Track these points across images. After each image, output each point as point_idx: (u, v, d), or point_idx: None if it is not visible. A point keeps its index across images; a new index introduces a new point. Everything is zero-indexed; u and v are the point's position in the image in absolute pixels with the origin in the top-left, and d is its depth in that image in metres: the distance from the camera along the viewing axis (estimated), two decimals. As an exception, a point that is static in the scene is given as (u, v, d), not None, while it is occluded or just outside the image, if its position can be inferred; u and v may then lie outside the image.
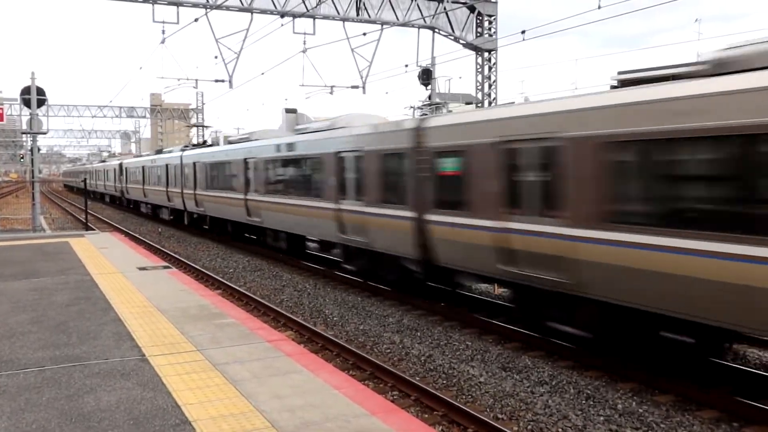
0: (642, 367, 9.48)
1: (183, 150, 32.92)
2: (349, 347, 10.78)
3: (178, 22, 26.44)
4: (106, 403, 5.79)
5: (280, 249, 21.62)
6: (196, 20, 25.22)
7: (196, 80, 39.73)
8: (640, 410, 8.29)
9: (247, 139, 24.58)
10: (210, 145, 31.14)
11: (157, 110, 75.96)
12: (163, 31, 26.76)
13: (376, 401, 6.17)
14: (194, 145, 34.14)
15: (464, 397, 8.89)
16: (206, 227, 29.26)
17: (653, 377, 9.10)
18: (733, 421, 7.88)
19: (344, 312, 14.02)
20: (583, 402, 8.60)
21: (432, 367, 10.12)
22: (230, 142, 26.51)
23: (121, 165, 48.88)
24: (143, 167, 39.53)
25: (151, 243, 26.16)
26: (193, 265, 20.31)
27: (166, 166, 34.00)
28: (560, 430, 7.76)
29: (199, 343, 7.78)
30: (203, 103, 57.52)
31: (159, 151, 40.30)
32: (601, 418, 8.06)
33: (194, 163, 29.09)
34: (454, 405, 8.16)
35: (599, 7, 16.66)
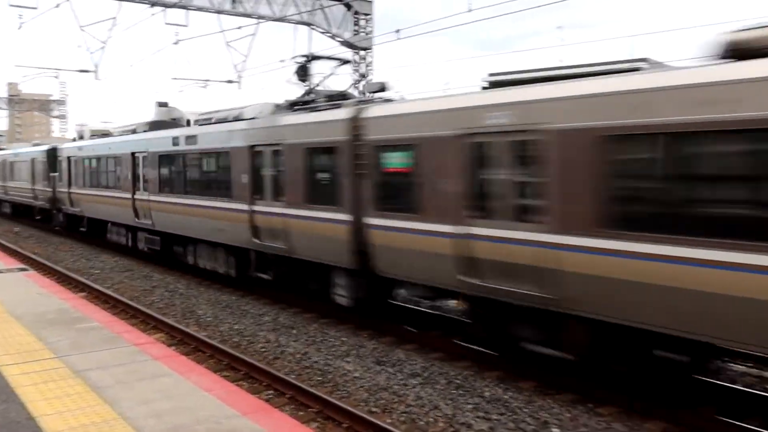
0: (507, 356, 9.96)
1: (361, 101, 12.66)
2: (223, 348, 10.57)
3: (36, 7, 24.72)
4: (-50, 419, 5.35)
5: None
6: (57, 6, 23.70)
7: (58, 70, 37.34)
8: (506, 396, 8.72)
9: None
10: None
11: (15, 101, 70.61)
12: (21, 16, 24.96)
13: (249, 402, 6.12)
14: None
15: (339, 392, 8.97)
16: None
17: (517, 365, 9.60)
18: (587, 403, 8.48)
19: (218, 312, 13.72)
20: (453, 391, 8.93)
21: (308, 365, 10.13)
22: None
23: (53, 152, 27.86)
24: (146, 156, 19.04)
25: (5, 244, 24.28)
26: (53, 266, 19.08)
27: (264, 153, 13.69)
28: (431, 419, 8.02)
29: (58, 349, 7.35)
30: (66, 95, 54.16)
31: (156, 125, 20.10)
32: (470, 406, 8.41)
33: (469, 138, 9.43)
34: (329, 401, 8.22)
35: (470, 10, 17.30)
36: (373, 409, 8.35)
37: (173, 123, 20.82)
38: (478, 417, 8.08)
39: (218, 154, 15.46)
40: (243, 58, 28.46)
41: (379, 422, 7.56)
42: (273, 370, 9.46)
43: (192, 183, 16.67)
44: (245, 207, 14.20)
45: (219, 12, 26.98)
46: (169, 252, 18.84)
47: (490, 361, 9.91)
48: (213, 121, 16.29)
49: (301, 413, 8.23)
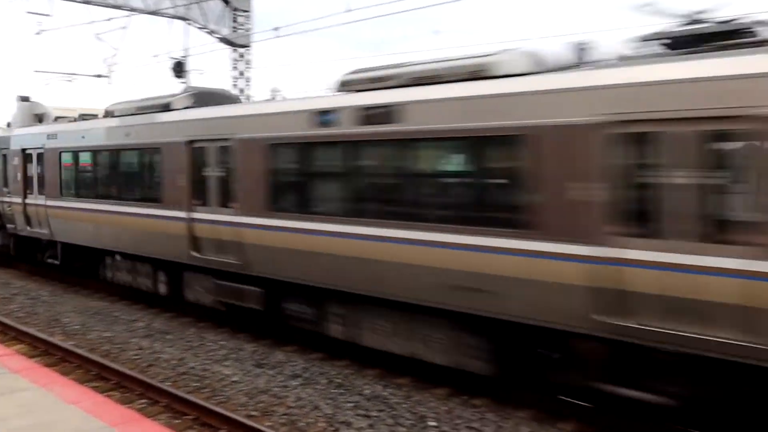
0: (383, 354, 10.12)
1: None
2: (91, 357, 10.05)
3: None
4: None
5: None
6: None
7: None
8: (385, 393, 8.87)
9: None
10: None
11: None
12: None
13: (119, 412, 5.88)
14: None
15: (217, 398, 8.76)
16: None
17: (394, 362, 9.76)
18: (462, 395, 8.79)
19: (87, 319, 13.00)
20: (334, 391, 8.97)
21: (184, 371, 9.82)
22: None
23: None
24: (229, 147, 11.26)
25: None
26: None
27: (668, 137, 6.52)
28: (312, 420, 8.02)
29: None
30: None
31: (203, 97, 13.02)
32: (350, 405, 8.48)
33: None
34: (205, 407, 8.02)
35: (348, 10, 17.43)
36: (253, 413, 8.23)
37: (226, 97, 13.67)
38: (358, 415, 8.17)
39: (482, 143, 7.98)
40: (114, 52, 27.09)
41: (258, 426, 7.47)
42: (146, 378, 9.10)
43: (377, 197, 9.29)
44: (569, 249, 7.14)
45: (87, 2, 25.54)
46: (275, 312, 11.18)
47: (369, 359, 10.02)
48: (386, 85, 9.17)
49: (177, 421, 7.96)
